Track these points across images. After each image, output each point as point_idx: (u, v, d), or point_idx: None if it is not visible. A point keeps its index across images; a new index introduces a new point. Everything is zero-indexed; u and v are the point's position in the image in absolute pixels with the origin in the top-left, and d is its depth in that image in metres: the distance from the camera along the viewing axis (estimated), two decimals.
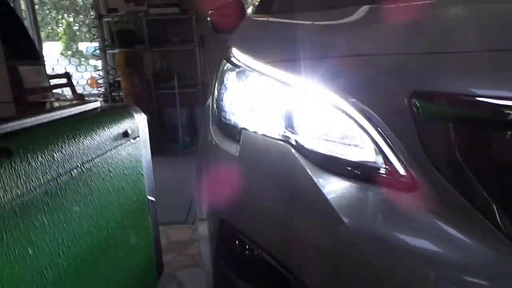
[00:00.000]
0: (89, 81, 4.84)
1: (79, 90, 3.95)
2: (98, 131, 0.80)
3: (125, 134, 0.91)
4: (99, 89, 4.05)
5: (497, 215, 0.48)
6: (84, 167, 0.73)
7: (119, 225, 0.88)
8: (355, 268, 0.55)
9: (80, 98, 3.18)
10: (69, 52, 8.98)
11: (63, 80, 3.18)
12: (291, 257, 0.62)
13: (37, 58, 1.80)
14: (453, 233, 0.50)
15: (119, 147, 0.88)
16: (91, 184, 0.76)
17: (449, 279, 0.49)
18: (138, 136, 0.98)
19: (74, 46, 9.08)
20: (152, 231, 1.11)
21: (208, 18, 1.71)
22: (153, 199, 1.11)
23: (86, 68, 4.49)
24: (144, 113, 1.07)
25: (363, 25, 0.80)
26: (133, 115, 0.98)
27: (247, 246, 0.68)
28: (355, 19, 0.83)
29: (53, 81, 3.08)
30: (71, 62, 4.68)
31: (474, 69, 0.55)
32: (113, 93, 3.97)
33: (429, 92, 0.54)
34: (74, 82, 3.67)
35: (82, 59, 5.84)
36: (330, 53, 0.68)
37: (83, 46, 7.82)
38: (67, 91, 3.12)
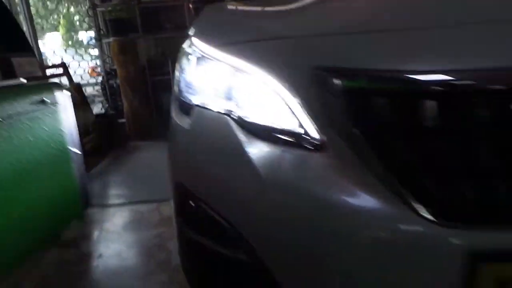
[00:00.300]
0: (89, 70, 4.98)
1: (77, 79, 4.09)
2: (18, 97, 1.33)
3: (43, 102, 1.44)
4: (96, 77, 4.17)
5: (400, 186, 0.59)
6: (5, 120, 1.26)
7: (40, 164, 1.42)
8: (275, 213, 0.67)
9: (77, 88, 3.32)
10: (70, 42, 9.09)
11: (60, 70, 3.31)
12: (229, 209, 0.74)
13: (29, 50, 1.92)
14: (347, 185, 0.62)
15: (38, 111, 1.41)
16: (13, 133, 1.27)
17: (341, 217, 0.62)
18: (57, 104, 1.51)
19: (75, 36, 9.18)
20: (75, 174, 1.79)
21: (190, 6, 1.81)
22: (77, 151, 1.74)
23: (83, 57, 4.60)
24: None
25: (297, 11, 0.90)
26: (52, 90, 1.52)
27: (197, 204, 0.81)
28: (295, 6, 0.94)
29: (50, 71, 3.22)
30: (68, 52, 4.79)
31: (370, 46, 0.66)
32: (110, 81, 4.10)
33: (329, 67, 0.65)
34: (72, 71, 3.81)
35: (82, 48, 5.96)
36: (262, 36, 0.79)
37: (84, 35, 7.93)
38: (64, 81, 3.25)
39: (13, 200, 1.34)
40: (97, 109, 4.14)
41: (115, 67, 3.95)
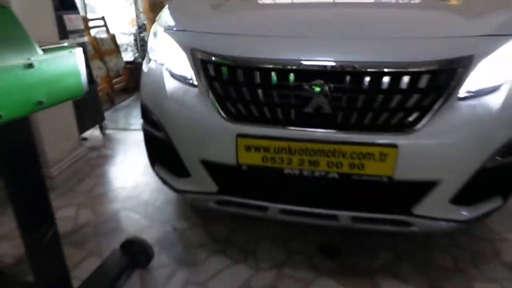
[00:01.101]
0: (130, 22, 5.78)
1: (118, 29, 4.91)
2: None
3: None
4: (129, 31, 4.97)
5: (218, 105, 1.32)
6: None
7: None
8: (174, 113, 1.43)
9: (112, 38, 4.14)
10: None
11: (100, 22, 4.13)
12: (157, 111, 1.50)
13: (75, 8, 2.73)
14: (202, 102, 1.36)
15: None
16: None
17: (196, 115, 1.37)
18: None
19: None
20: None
21: None
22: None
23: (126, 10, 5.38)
24: None
25: (216, 18, 1.60)
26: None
27: (147, 111, 1.58)
28: (219, 14, 1.64)
29: (92, 23, 4.04)
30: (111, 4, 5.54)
31: (226, 41, 1.37)
32: (141, 34, 4.89)
33: (198, 49, 1.37)
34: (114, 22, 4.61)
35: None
36: (183, 28, 1.51)
37: None
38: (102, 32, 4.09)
39: None
40: (128, 56, 4.98)
41: (145, 22, 4.72)
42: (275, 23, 1.45)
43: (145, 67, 1.67)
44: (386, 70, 1.16)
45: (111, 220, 1.92)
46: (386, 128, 1.19)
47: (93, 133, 3.08)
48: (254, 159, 1.28)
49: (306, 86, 1.19)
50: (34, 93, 0.97)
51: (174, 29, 1.52)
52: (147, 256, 1.56)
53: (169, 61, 1.50)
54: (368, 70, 1.16)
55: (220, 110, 1.31)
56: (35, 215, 1.12)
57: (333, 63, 1.18)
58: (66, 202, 2.07)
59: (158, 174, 1.66)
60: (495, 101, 1.21)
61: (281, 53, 1.24)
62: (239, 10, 1.67)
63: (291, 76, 1.21)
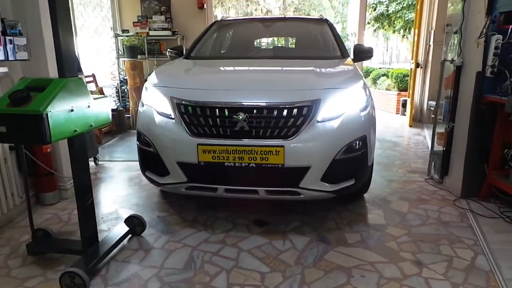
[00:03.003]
0: (113, 77, 6.79)
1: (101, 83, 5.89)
2: None
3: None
4: (113, 84, 5.96)
5: (186, 128, 2.29)
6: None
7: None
8: (160, 135, 2.38)
9: (101, 90, 5.11)
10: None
11: (90, 78, 5.11)
12: (148, 134, 2.44)
13: (81, 70, 3.71)
14: (177, 129, 2.33)
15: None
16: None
17: (174, 136, 2.33)
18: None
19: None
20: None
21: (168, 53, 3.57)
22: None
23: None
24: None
25: (189, 76, 2.64)
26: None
27: (141, 135, 2.51)
28: (191, 73, 2.68)
29: (87, 79, 5.01)
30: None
31: (192, 93, 2.38)
32: (122, 87, 5.89)
33: (176, 97, 2.37)
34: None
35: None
36: (165, 84, 2.51)
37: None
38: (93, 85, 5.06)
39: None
40: (111, 105, 5.93)
41: (126, 77, 5.74)
42: (217, 82, 2.52)
43: (140, 109, 2.64)
44: (276, 107, 2.20)
45: (114, 213, 2.76)
46: (278, 137, 2.20)
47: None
48: (207, 158, 2.24)
49: (234, 116, 2.20)
50: (89, 121, 1.91)
51: (159, 85, 2.52)
52: (142, 227, 2.41)
53: (156, 104, 2.47)
54: (268, 107, 2.20)
55: (187, 131, 2.28)
56: (84, 189, 2.01)
57: (249, 103, 2.21)
58: None
59: (147, 177, 2.57)
60: (337, 123, 2.27)
61: (221, 99, 2.26)
62: (198, 74, 2.73)
63: (226, 111, 2.22)
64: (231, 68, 2.97)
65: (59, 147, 2.95)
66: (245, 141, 2.21)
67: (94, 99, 2.00)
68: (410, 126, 6.23)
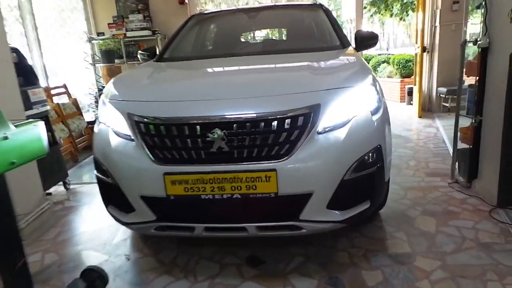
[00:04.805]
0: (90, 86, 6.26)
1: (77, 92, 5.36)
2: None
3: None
4: (90, 93, 5.43)
5: (149, 152, 1.77)
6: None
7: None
8: (117, 162, 1.86)
9: (75, 102, 4.58)
10: None
11: (62, 89, 4.58)
12: (105, 161, 1.92)
13: (37, 83, 3.18)
14: (138, 152, 1.80)
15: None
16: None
17: (133, 162, 1.80)
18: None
19: None
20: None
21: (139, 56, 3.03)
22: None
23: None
24: None
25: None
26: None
27: (98, 162, 2.00)
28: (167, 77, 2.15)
29: (56, 91, 4.48)
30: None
31: (147, 107, 1.86)
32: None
33: (132, 113, 1.84)
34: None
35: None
36: (119, 98, 1.99)
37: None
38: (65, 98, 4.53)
39: None
40: (90, 117, 5.40)
41: (104, 85, 5.20)
42: (187, 90, 1.99)
43: (96, 129, 2.11)
44: (263, 119, 1.67)
45: (74, 259, 2.25)
46: (268, 158, 1.67)
47: (58, 188, 3.41)
48: (178, 190, 1.72)
49: (209, 134, 1.67)
50: (9, 156, 1.39)
51: (115, 99, 1.99)
52: (103, 282, 1.90)
53: (113, 123, 1.95)
54: (251, 119, 1.67)
55: (151, 156, 1.76)
56: (9, 248, 1.49)
57: (226, 116, 1.68)
58: (33, 250, 2.38)
59: (110, 213, 2.05)
60: (343, 133, 1.74)
61: (189, 112, 1.73)
62: (165, 81, 2.19)
63: (198, 128, 1.69)
64: (209, 70, 2.43)
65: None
66: (225, 166, 1.68)
67: (16, 126, 1.47)
68: (420, 116, 5.69)
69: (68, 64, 5.15)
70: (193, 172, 1.69)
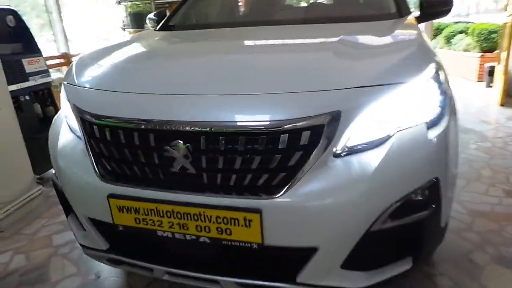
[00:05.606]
0: None
1: None
2: None
3: None
4: None
5: (94, 163, 1.27)
6: None
7: None
8: (64, 169, 1.40)
9: None
10: None
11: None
12: (56, 170, 1.47)
13: (37, 51, 2.82)
14: (83, 164, 1.30)
15: None
16: None
17: (79, 172, 1.32)
18: None
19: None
20: None
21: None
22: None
23: None
24: None
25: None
26: None
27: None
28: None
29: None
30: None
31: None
32: None
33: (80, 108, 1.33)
34: None
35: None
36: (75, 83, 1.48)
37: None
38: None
39: None
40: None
41: None
42: (154, 78, 1.39)
43: (55, 117, 1.66)
44: (245, 131, 1.07)
45: (40, 267, 1.90)
46: (251, 190, 1.09)
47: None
48: (127, 220, 1.22)
49: (167, 147, 1.12)
50: None
51: (70, 83, 1.49)
52: None
53: (67, 113, 1.47)
54: (227, 131, 1.08)
55: (96, 168, 1.26)
56: None
57: (192, 123, 1.11)
58: (5, 247, 2.09)
59: (69, 225, 1.62)
60: (377, 157, 1.09)
61: (144, 112, 1.18)
62: (126, 64, 1.58)
63: (152, 136, 1.15)
64: (205, 47, 1.80)
65: None
66: (189, 196, 1.14)
67: None
68: (502, 105, 4.58)
69: (95, 29, 4.81)
70: (145, 199, 1.17)
